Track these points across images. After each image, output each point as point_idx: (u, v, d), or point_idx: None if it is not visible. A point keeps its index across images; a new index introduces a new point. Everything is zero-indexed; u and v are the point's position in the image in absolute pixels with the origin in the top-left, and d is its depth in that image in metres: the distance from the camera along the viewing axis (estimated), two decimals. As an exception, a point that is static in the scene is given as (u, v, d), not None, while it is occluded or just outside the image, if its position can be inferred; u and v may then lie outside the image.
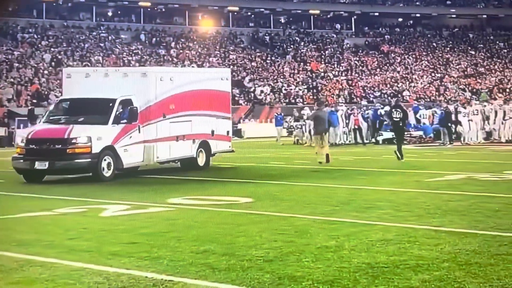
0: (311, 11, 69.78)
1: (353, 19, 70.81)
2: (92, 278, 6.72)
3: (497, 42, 72.55)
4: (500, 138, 29.90)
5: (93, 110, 17.84)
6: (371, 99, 54.40)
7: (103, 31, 58.84)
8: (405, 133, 24.85)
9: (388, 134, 30.85)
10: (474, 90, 59.98)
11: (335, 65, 61.85)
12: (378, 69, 62.87)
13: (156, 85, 18.78)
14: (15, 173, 17.25)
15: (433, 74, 63.56)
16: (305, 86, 54.36)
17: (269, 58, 60.82)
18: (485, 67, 66.39)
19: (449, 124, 29.80)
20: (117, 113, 17.56)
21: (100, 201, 12.52)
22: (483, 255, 7.40)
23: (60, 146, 16.87)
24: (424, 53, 67.97)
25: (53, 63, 49.65)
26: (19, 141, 18.52)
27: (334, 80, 57.73)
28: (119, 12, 63.78)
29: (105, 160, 17.06)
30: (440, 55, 68.04)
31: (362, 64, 63.30)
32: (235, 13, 66.93)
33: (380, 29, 72.32)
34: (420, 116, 35.06)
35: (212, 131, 20.58)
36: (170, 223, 9.92)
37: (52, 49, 52.53)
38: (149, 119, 18.26)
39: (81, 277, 6.76)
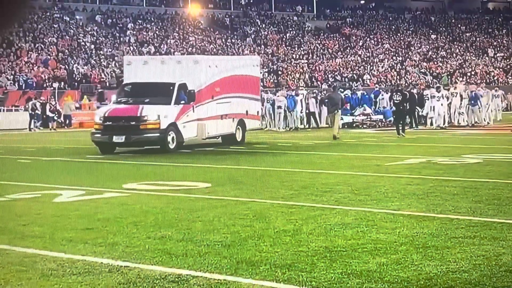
0: (272, -8, 69.65)
1: (314, 1, 70.86)
2: (45, 264, 6.68)
3: (459, 25, 73.35)
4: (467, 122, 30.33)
5: (156, 92, 20.70)
6: (330, 82, 54.63)
7: (57, 12, 57.96)
8: (405, 113, 27.55)
9: (349, 118, 31.11)
10: (435, 74, 60.64)
11: (295, 48, 61.94)
12: (339, 52, 63.14)
13: (206, 71, 22.17)
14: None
15: (394, 58, 64.04)
16: (266, 70, 54.42)
17: (228, 41, 60.62)
18: (447, 50, 67.10)
19: (414, 108, 29.96)
20: (177, 94, 20.55)
21: (54, 187, 12.40)
22: (440, 238, 7.49)
23: (134, 122, 19.94)
24: (385, 36, 68.44)
25: (4, 45, 48.79)
26: (97, 119, 20.98)
27: (294, 64, 57.83)
28: (74, -9, 62.79)
29: (170, 134, 20.21)
30: (401, 38, 68.57)
31: (323, 47, 63.49)
32: (194, -6, 66.39)
33: (342, 11, 72.55)
34: (379, 99, 35.41)
35: (246, 111, 24.04)
36: (126, 209, 9.87)
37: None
38: (201, 101, 21.44)
39: (34, 264, 6.72)
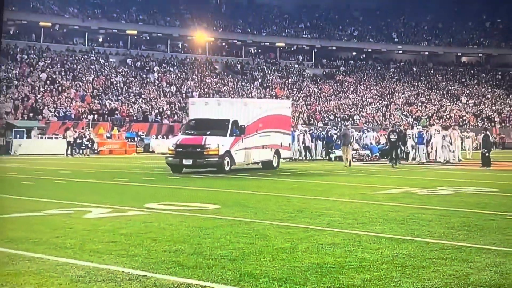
0: (277, 44, 70.17)
1: (313, 52, 71.35)
2: (74, 272, 6.64)
3: (436, 75, 73.65)
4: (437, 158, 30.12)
5: (215, 126, 22.51)
6: (326, 121, 54.73)
7: (94, 55, 58.42)
8: (400, 150, 28.88)
9: (339, 152, 31.10)
10: (415, 116, 60.70)
11: (296, 91, 62.18)
12: (333, 96, 63.33)
13: (252, 111, 24.29)
14: (11, 178, 17.09)
15: (380, 102, 64.19)
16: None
17: (239, 84, 60.93)
18: (426, 97, 67.25)
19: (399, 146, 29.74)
20: (231, 128, 22.52)
21: (85, 204, 12.38)
22: (417, 258, 7.44)
23: (199, 149, 21.79)
24: (373, 83, 68.70)
25: (48, 82, 49.09)
26: (170, 146, 23.02)
27: (295, 104, 58.14)
28: (108, 38, 63.43)
29: (225, 159, 22.11)
30: (387, 85, 68.81)
31: (319, 91, 63.72)
32: (211, 43, 66.96)
33: (336, 61, 72.92)
34: (367, 137, 35.39)
35: (281, 143, 25.99)
36: (146, 225, 9.83)
37: (48, 69, 51.96)
38: (248, 133, 23.34)
39: (64, 271, 6.68)
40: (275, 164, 25.27)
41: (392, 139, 27.90)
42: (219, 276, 6.50)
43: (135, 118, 48.17)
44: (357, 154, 32.02)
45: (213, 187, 17.12)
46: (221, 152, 21.86)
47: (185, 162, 21.84)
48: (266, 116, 24.95)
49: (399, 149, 28.32)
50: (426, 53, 76.12)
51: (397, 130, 29.14)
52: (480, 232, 9.45)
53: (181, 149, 22.00)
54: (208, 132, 22.26)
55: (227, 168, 22.12)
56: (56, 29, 59.20)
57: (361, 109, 60.92)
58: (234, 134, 22.64)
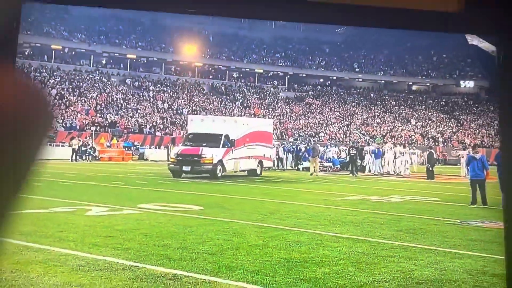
0: (256, 70, 70.35)
1: (286, 78, 71.62)
2: (76, 261, 6.59)
3: (390, 101, 74.30)
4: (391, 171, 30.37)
5: (210, 139, 23.03)
6: (296, 137, 54.86)
7: (98, 75, 58.03)
8: (357, 163, 29.78)
9: (306, 164, 31.17)
10: (371, 135, 61.15)
11: (271, 111, 62.32)
12: (302, 116, 63.58)
13: (241, 127, 25.00)
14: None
15: (342, 122, 64.59)
16: (248, 125, 54.32)
17: (223, 103, 60.92)
18: (381, 118, 67.81)
19: (357, 159, 30.12)
20: (223, 141, 23.10)
21: (86, 203, 12.28)
22: (369, 256, 7.48)
23: (196, 158, 22.30)
24: (337, 106, 69.10)
25: (57, 97, 48.63)
26: (172, 154, 23.88)
27: (270, 122, 58.05)
28: (111, 61, 63.06)
29: (218, 167, 22.58)
30: (348, 108, 69.28)
31: (291, 111, 63.94)
32: (200, 68, 66.95)
33: (306, 86, 73.29)
34: (330, 151, 35.55)
35: (264, 154, 26.46)
36: (139, 223, 9.78)
37: (57, 86, 51.51)
38: (237, 146, 23.98)
39: (67, 261, 6.62)
40: (258, 172, 25.72)
41: (351, 154, 29.07)
42: (200, 267, 6.49)
43: (132, 130, 47.88)
44: (321, 165, 32.12)
45: (198, 191, 17.06)
46: (215, 161, 22.45)
47: (184, 168, 22.29)
48: (252, 132, 25.73)
49: (357, 162, 28.76)
50: (382, 81, 76.84)
51: (356, 146, 29.94)
52: (424, 234, 9.53)
53: (181, 158, 22.47)
54: (204, 144, 22.82)
55: (219, 174, 22.60)
56: (66, 51, 58.67)
57: (325, 128, 61.22)
58: (226, 146, 23.25)
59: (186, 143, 23.84)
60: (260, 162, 26.11)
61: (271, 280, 6.02)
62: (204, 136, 23.28)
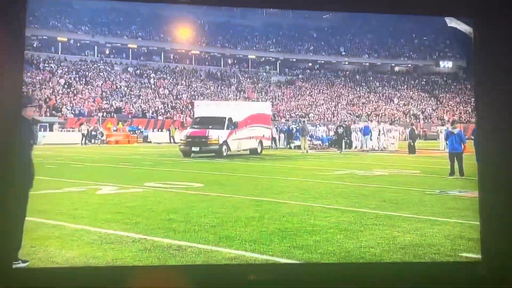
0: (249, 56, 69.97)
1: (278, 63, 71.32)
2: (89, 236, 6.69)
3: (375, 82, 74.18)
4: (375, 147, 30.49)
5: (215, 122, 23.75)
6: (287, 118, 54.86)
7: (102, 64, 57.63)
8: (344, 140, 29.91)
9: (297, 142, 31.25)
10: (357, 114, 61.19)
11: (264, 94, 62.17)
12: (293, 98, 63.48)
13: (243, 111, 25.63)
14: (37, 162, 16.86)
15: (330, 103, 64.55)
16: (244, 108, 54.12)
17: (219, 88, 60.72)
18: (366, 98, 67.79)
19: (344, 137, 30.43)
20: (227, 124, 23.71)
21: (97, 183, 12.33)
22: (356, 224, 7.59)
23: (204, 139, 22.91)
24: (325, 88, 68.98)
25: (65, 86, 48.33)
26: (182, 136, 24.21)
27: (263, 104, 57.90)
28: (114, 51, 62.56)
29: (224, 147, 23.19)
30: (335, 90, 69.17)
31: (282, 94, 63.81)
32: (196, 55, 66.55)
33: (296, 70, 73.03)
34: (319, 130, 35.61)
35: (263, 135, 27.01)
36: (146, 200, 9.86)
37: (65, 75, 51.18)
38: (239, 128, 24.61)
39: (81, 236, 6.73)
40: (259, 151, 26.29)
41: (339, 132, 29.28)
42: (203, 238, 6.59)
43: (136, 115, 47.77)
44: (311, 143, 32.18)
45: (198, 169, 17.11)
46: (220, 142, 23.13)
47: (193, 149, 22.93)
48: (252, 114, 26.33)
49: (343, 140, 28.95)
50: (367, 64, 76.59)
51: (343, 125, 30.25)
52: (406, 204, 9.64)
53: (190, 139, 23.16)
54: (210, 127, 23.60)
55: (224, 153, 23.23)
56: (71, 43, 58.14)
57: (315, 108, 61.20)
58: (230, 128, 23.95)
59: (194, 126, 24.46)
60: (261, 142, 26.67)
61: (267, 248, 6.14)
62: (210, 120, 24.11)
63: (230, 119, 24.29)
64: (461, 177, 14.43)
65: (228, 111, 25.17)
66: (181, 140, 24.39)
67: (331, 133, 34.07)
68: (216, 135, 23.18)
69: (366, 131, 30.91)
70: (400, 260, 5.79)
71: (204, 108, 26.36)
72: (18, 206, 5.50)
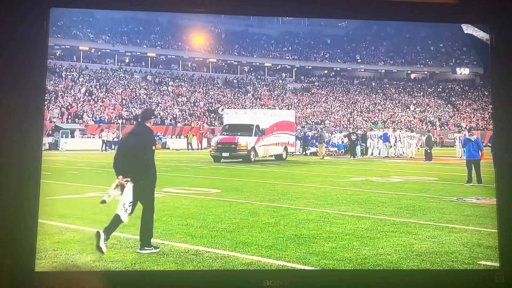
0: (265, 64, 70.10)
1: (294, 70, 71.33)
2: (109, 240, 6.72)
3: (391, 89, 73.71)
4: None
5: (243, 129, 24.74)
6: (303, 125, 54.73)
7: (122, 72, 58.22)
8: (357, 148, 30.19)
9: (313, 149, 31.22)
10: (373, 121, 60.83)
11: (280, 101, 62.18)
12: (309, 105, 63.37)
13: (269, 118, 26.61)
14: (60, 168, 17.11)
15: (345, 110, 64.30)
16: (260, 115, 54.11)
17: (236, 95, 60.88)
18: (382, 106, 67.38)
19: (362, 144, 30.71)
20: (255, 130, 24.57)
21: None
22: (372, 231, 7.53)
23: (233, 145, 23.73)
24: (340, 95, 68.74)
25: (86, 94, 48.93)
26: (213, 143, 24.89)
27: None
28: (133, 59, 63.22)
29: (252, 152, 23.99)
30: (351, 97, 68.89)
31: (298, 101, 63.75)
32: (214, 63, 66.89)
33: (312, 77, 72.93)
34: (335, 137, 35.48)
35: (288, 141, 27.84)
36: (164, 205, 9.89)
37: (86, 83, 51.82)
38: (266, 134, 25.51)
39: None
40: (284, 156, 27.03)
41: (352, 139, 29.71)
42: (220, 243, 6.59)
43: (155, 122, 48.15)
44: (327, 150, 32.06)
45: (215, 175, 17.14)
46: (249, 148, 24.12)
47: (223, 154, 23.78)
48: (278, 121, 27.41)
49: (357, 147, 29.38)
50: (383, 71, 76.19)
51: (356, 132, 31.09)
52: (423, 211, 9.55)
53: (220, 145, 24.07)
54: (239, 133, 24.61)
55: (252, 159, 24.09)
56: (92, 52, 58.89)
57: (330, 115, 60.98)
58: (257, 135, 24.92)
59: (223, 133, 25.46)
60: (286, 148, 27.46)
61: (283, 254, 6.12)
62: (239, 127, 25.27)
63: (257, 126, 25.20)
64: (479, 185, 14.24)
65: (255, 118, 26.16)
66: (212, 146, 25.20)
67: (346, 140, 33.95)
68: (245, 141, 24.12)
69: (385, 138, 30.86)
70: (417, 267, 5.72)
71: (233, 116, 27.60)
72: (147, 201, 5.51)
